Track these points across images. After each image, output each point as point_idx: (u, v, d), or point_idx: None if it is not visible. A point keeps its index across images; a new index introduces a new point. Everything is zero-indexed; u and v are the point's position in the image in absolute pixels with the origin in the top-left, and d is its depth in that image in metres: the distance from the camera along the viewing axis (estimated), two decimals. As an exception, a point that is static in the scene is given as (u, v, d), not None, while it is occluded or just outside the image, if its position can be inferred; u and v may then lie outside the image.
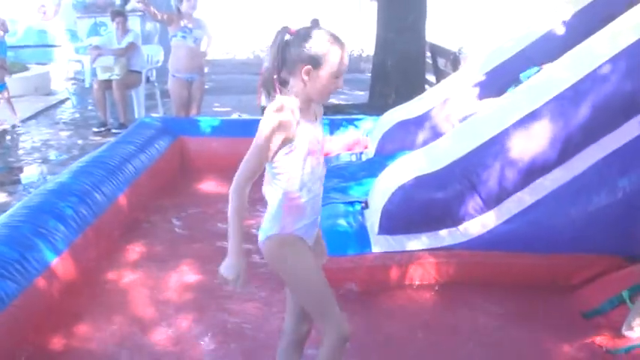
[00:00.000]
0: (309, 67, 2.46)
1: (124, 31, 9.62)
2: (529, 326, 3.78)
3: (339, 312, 2.68)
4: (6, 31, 12.89)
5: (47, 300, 3.82)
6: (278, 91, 2.55)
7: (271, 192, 2.63)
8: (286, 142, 2.50)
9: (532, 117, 4.20)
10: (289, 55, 2.49)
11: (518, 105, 4.37)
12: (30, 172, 7.55)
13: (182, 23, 7.73)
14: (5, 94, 9.76)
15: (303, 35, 2.49)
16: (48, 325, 3.70)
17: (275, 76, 2.54)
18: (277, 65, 2.52)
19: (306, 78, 2.48)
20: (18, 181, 7.19)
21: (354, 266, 4.18)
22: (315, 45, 2.46)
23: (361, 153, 6.35)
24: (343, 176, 5.38)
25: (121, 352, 3.56)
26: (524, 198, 4.22)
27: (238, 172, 2.49)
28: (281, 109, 2.46)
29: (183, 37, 7.75)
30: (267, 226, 2.65)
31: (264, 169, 2.59)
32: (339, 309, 2.70)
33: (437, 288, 4.21)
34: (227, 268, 2.52)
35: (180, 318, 3.91)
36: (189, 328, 3.81)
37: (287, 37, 2.50)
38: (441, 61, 9.89)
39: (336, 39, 2.50)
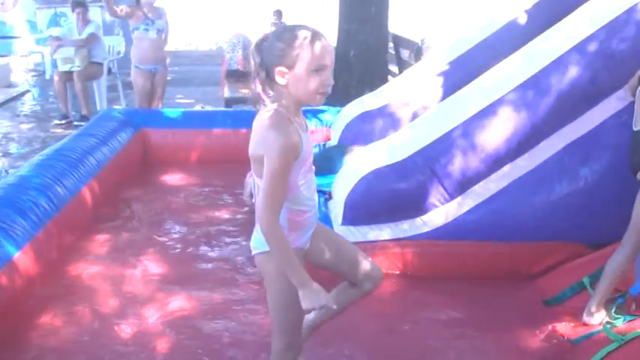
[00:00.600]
0: (282, 68, 2.33)
1: (85, 21, 9.49)
2: (492, 315, 3.84)
3: (297, 344, 2.72)
4: None
5: (9, 294, 3.77)
6: (267, 103, 2.43)
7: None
8: (295, 158, 2.39)
9: (494, 106, 4.24)
10: (265, 62, 2.37)
11: (480, 94, 4.41)
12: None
13: (142, 15, 7.70)
14: None
15: (272, 37, 2.37)
16: (9, 320, 3.66)
17: (260, 88, 2.42)
18: (259, 76, 2.40)
19: (283, 81, 2.35)
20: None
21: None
22: (283, 43, 2.32)
23: (324, 144, 6.36)
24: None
25: (84, 346, 3.54)
26: (487, 187, 4.27)
27: (263, 208, 2.33)
28: (284, 127, 2.34)
29: (146, 29, 7.73)
30: (263, 241, 2.44)
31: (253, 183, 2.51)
32: (300, 343, 2.75)
33: (400, 278, 4.24)
34: (308, 300, 2.35)
35: (144, 310, 3.89)
36: (154, 320, 3.79)
37: (263, 41, 2.39)
38: (403, 52, 9.92)
39: (305, 32, 2.34)
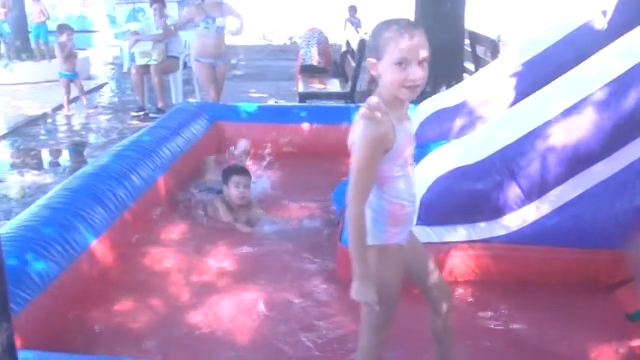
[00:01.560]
0: (372, 59, 2.40)
1: (162, 16, 9.65)
2: (567, 325, 3.69)
3: (385, 339, 2.72)
4: (47, 17, 13.08)
5: (86, 281, 3.87)
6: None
7: (370, 201, 2.49)
8: (386, 150, 2.42)
9: (577, 107, 4.09)
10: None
11: (562, 95, 4.27)
12: (70, 155, 7.63)
13: (203, 13, 8.05)
14: (78, 82, 9.86)
15: (373, 32, 2.45)
16: (87, 305, 3.75)
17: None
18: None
19: (375, 73, 2.42)
20: (57, 164, 7.27)
21: (392, 256, 4.13)
22: (374, 35, 2.41)
23: (399, 142, 6.28)
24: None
25: (157, 332, 3.60)
26: (567, 191, 4.12)
27: (350, 190, 2.40)
28: (373, 117, 2.38)
29: (206, 27, 8.05)
30: (369, 233, 2.49)
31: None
32: (387, 338, 2.73)
33: (474, 281, 4.15)
34: (359, 292, 2.44)
35: (216, 300, 3.93)
36: (225, 310, 3.83)
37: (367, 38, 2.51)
38: (480, 49, 9.74)
39: (396, 25, 2.36)
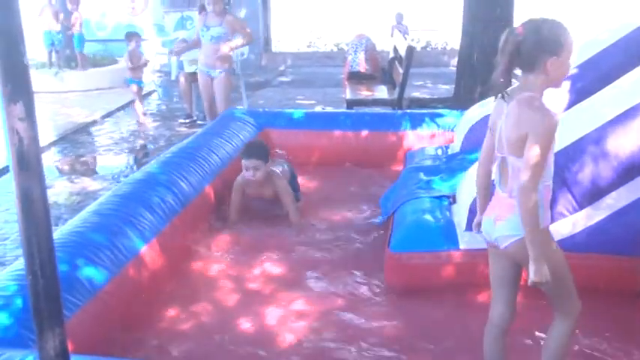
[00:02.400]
0: (554, 57, 2.56)
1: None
2: (612, 335, 3.60)
3: (577, 297, 2.88)
4: (80, 25, 13.30)
5: (136, 287, 3.90)
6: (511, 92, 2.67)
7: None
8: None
9: (632, 112, 3.98)
10: (527, 53, 2.59)
11: (616, 99, 4.17)
12: (119, 162, 7.73)
13: (202, 20, 8.18)
14: (134, 88, 10.00)
15: (535, 29, 2.60)
16: (136, 311, 3.78)
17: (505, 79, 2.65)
18: (510, 67, 2.64)
19: (551, 69, 2.58)
20: (106, 170, 7.36)
21: (441, 262, 4.09)
22: (552, 34, 2.58)
23: (447, 147, 6.23)
24: (429, 171, 5.29)
25: (206, 339, 3.61)
26: (619, 198, 4.00)
27: (527, 177, 2.55)
28: (548, 108, 2.60)
29: (202, 35, 8.15)
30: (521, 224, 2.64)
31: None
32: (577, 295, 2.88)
33: (523, 288, 4.06)
34: (537, 273, 2.58)
35: (263, 308, 3.93)
36: (272, 318, 3.83)
37: (519, 37, 2.60)
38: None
39: (562, 24, 2.62)
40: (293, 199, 5.32)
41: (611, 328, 3.66)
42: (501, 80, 2.66)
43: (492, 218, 2.80)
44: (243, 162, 5.19)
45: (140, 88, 10.01)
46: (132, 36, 10.08)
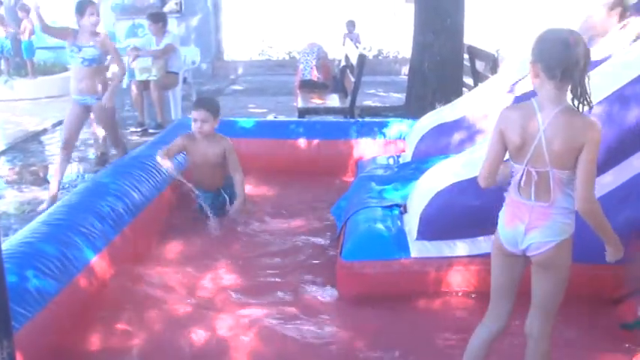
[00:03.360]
0: None
1: (162, 32, 9.66)
2: (563, 337, 3.61)
3: None
4: (32, 33, 13.07)
5: (86, 297, 3.87)
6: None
7: (565, 196, 2.75)
8: None
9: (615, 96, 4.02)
10: (578, 68, 2.63)
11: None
12: (68, 171, 7.61)
13: (72, 38, 6.41)
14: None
15: (581, 45, 2.64)
16: (86, 322, 3.73)
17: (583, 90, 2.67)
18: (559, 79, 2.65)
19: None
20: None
21: (393, 271, 4.13)
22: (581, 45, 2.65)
23: (398, 156, 6.29)
24: (381, 180, 5.33)
25: (157, 350, 3.59)
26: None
27: (589, 189, 2.67)
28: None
29: (71, 56, 6.46)
30: (565, 229, 2.78)
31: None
32: None
33: (474, 296, 4.12)
34: (614, 255, 2.89)
35: (215, 317, 3.91)
36: (224, 328, 3.80)
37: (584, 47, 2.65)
38: (479, 64, 9.76)
39: None
40: (239, 166, 5.45)
41: (559, 329, 3.70)
42: (583, 95, 2.67)
43: (521, 228, 2.81)
44: (192, 113, 5.38)
45: None
46: None
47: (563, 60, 2.60)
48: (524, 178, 2.79)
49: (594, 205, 2.69)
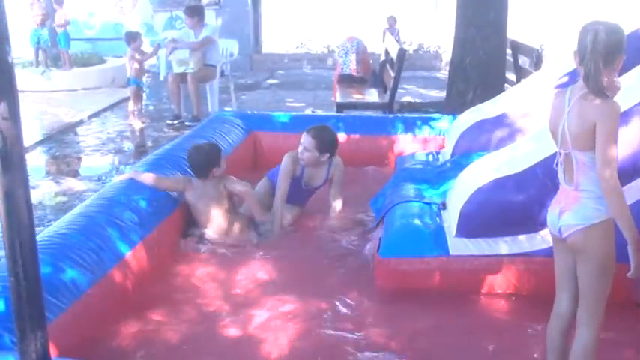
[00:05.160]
0: (623, 55, 2.74)
1: (201, 24, 9.63)
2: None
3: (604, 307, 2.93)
4: (67, 23, 13.16)
5: (121, 290, 3.88)
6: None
7: (590, 179, 2.76)
8: None
9: (626, 117, 3.93)
10: (610, 53, 2.70)
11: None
12: (105, 163, 7.65)
13: None
14: (133, 89, 9.79)
15: (614, 30, 2.72)
16: (121, 315, 3.75)
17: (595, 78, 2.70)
18: (599, 66, 2.69)
19: (619, 66, 2.75)
20: (93, 171, 7.27)
21: (431, 268, 4.07)
22: (623, 34, 2.74)
23: (438, 153, 6.19)
24: (420, 176, 5.26)
25: (190, 345, 3.58)
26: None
27: (603, 165, 2.67)
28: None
29: None
30: (594, 214, 2.78)
31: None
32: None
33: (514, 296, 4.05)
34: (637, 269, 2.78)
35: (251, 312, 3.89)
36: (260, 323, 3.78)
37: (605, 37, 2.67)
38: (522, 59, 9.57)
39: None
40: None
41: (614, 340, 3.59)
42: (592, 79, 2.71)
43: (557, 211, 2.90)
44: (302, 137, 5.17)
45: (139, 89, 9.89)
46: (135, 35, 9.94)
47: (580, 46, 2.74)
48: (559, 162, 2.92)
49: (610, 184, 2.68)
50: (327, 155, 5.11)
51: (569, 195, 2.86)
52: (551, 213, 2.97)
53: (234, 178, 4.92)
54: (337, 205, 5.30)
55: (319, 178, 5.28)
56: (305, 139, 5.08)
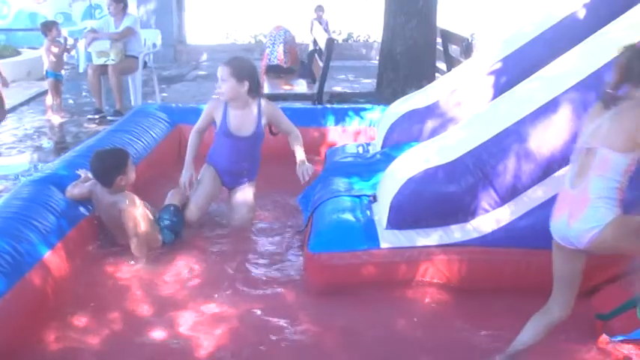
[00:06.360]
0: None
1: (122, 14, 9.33)
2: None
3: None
4: None
5: (40, 294, 3.72)
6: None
7: (605, 181, 2.86)
8: None
9: (551, 105, 3.98)
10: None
11: (536, 92, 4.16)
12: (21, 160, 7.35)
13: None
14: (50, 82, 9.36)
15: None
16: (41, 320, 3.62)
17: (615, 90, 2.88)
18: (621, 80, 2.89)
19: None
20: (8, 171, 6.97)
21: (362, 262, 4.00)
22: None
23: (368, 144, 6.14)
24: (350, 169, 5.20)
25: (116, 348, 3.49)
26: (541, 192, 3.99)
27: None
28: None
29: None
30: (603, 213, 2.86)
31: None
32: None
33: (446, 287, 4.03)
34: None
35: (178, 313, 3.80)
36: (188, 323, 3.70)
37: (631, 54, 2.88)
38: (452, 48, 9.61)
39: None
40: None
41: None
42: (612, 90, 2.89)
43: (565, 218, 2.95)
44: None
45: (58, 82, 9.50)
46: (51, 25, 9.54)
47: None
48: (574, 159, 3.03)
49: None
50: (247, 84, 4.79)
51: (575, 199, 2.92)
52: (558, 221, 3.00)
53: (135, 201, 4.43)
54: (296, 131, 5.11)
55: (249, 123, 4.93)
56: (220, 71, 4.87)
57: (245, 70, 4.87)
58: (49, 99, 9.53)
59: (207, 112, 5.04)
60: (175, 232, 4.67)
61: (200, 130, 5.07)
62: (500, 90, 5.07)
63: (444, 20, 10.16)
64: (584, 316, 3.62)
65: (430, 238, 4.05)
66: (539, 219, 3.91)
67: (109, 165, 4.38)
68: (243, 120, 4.91)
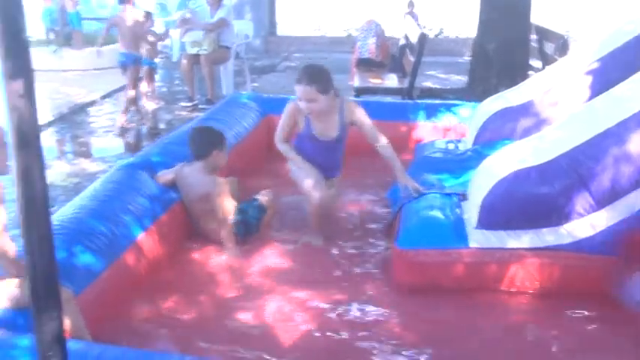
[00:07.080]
0: None
1: (216, 5, 9.48)
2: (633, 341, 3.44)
3: None
4: (77, 3, 13.04)
5: (134, 275, 3.84)
6: None
7: None
8: None
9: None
10: None
11: (637, 94, 4.00)
12: (117, 144, 7.58)
13: None
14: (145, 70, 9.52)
15: None
16: (134, 299, 3.74)
17: None
18: None
19: None
20: (104, 152, 7.21)
21: (450, 260, 3.95)
22: None
23: (458, 141, 6.05)
24: (440, 164, 5.15)
25: (202, 331, 3.54)
26: (640, 198, 3.83)
27: None
28: None
29: None
30: None
31: None
32: None
33: (536, 291, 3.92)
34: None
35: (264, 301, 3.83)
36: (273, 312, 3.73)
37: None
38: (548, 46, 9.37)
39: None
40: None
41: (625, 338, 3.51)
42: None
43: None
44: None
45: (152, 69, 9.73)
46: (147, 15, 9.81)
47: None
48: None
49: None
50: (332, 92, 4.56)
51: None
52: None
53: (226, 187, 4.50)
54: (383, 140, 4.66)
55: (332, 127, 4.70)
56: (303, 93, 4.46)
57: (324, 78, 4.55)
58: (143, 86, 9.79)
59: (290, 117, 4.71)
60: (249, 228, 4.62)
61: (287, 139, 4.78)
62: (597, 91, 4.87)
63: (540, 16, 9.92)
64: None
65: (521, 240, 3.94)
66: (637, 226, 3.80)
67: (207, 137, 4.58)
68: (327, 125, 4.69)
